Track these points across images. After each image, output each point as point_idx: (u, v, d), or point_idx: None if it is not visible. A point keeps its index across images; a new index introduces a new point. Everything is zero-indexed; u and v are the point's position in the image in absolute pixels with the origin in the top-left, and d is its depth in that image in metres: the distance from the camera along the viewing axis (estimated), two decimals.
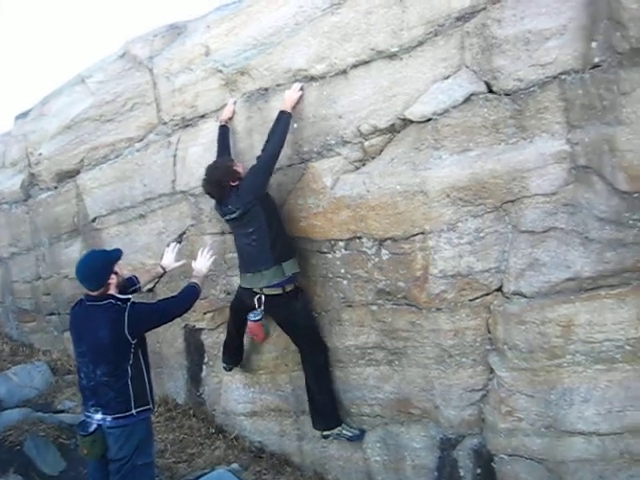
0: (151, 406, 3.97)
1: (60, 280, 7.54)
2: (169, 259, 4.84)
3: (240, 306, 5.03)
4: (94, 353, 3.75)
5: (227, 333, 5.42)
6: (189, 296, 4.20)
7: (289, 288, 4.73)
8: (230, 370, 5.58)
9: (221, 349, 5.54)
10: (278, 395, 5.39)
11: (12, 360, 7.91)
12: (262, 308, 4.72)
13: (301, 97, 4.67)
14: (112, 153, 6.39)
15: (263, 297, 4.71)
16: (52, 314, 8.05)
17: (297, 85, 4.66)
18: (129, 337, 3.71)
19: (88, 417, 3.82)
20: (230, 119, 5.13)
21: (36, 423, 5.50)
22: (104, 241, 6.55)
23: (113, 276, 3.83)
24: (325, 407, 4.92)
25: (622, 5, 3.09)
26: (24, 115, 7.99)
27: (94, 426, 3.75)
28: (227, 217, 4.77)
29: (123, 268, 4.08)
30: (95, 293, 3.81)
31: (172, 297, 4.24)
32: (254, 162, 4.68)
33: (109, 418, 3.75)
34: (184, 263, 4.89)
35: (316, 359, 4.89)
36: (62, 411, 6.19)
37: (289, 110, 4.58)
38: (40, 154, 7.21)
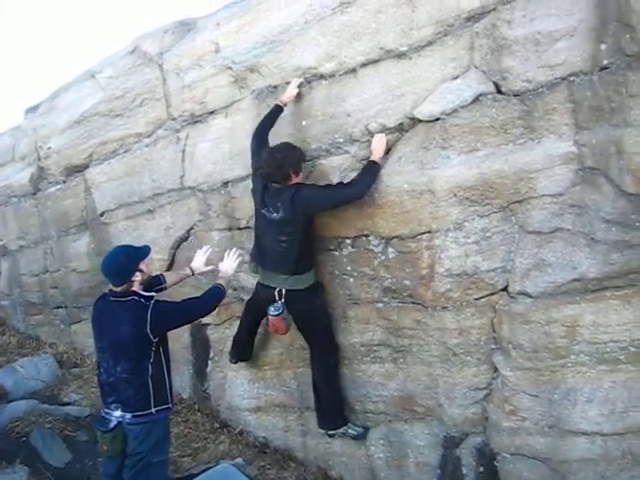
0: (170, 405, 3.96)
1: (67, 273, 7.58)
2: (199, 262, 4.76)
3: (258, 304, 4.92)
4: (115, 349, 3.75)
5: (238, 329, 5.37)
6: (214, 297, 4.16)
7: (311, 284, 4.67)
8: (235, 363, 5.57)
9: (228, 343, 5.57)
10: (283, 391, 5.41)
11: (19, 352, 7.95)
12: (282, 301, 4.58)
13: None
14: (121, 148, 6.43)
15: (284, 290, 4.59)
16: (59, 307, 8.10)
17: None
18: (151, 335, 3.69)
19: (107, 414, 3.80)
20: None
21: (42, 415, 5.54)
22: (112, 235, 6.60)
23: (138, 273, 3.81)
24: (332, 407, 4.91)
25: (631, 7, 3.10)
26: (34, 109, 8.03)
27: (114, 422, 3.75)
28: (267, 214, 4.50)
29: (149, 266, 4.05)
30: (118, 289, 3.79)
31: (196, 297, 4.19)
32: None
33: (128, 415, 3.74)
34: (214, 268, 4.76)
35: (328, 358, 4.86)
36: (68, 403, 6.24)
37: (377, 159, 4.29)
38: (49, 148, 7.25)
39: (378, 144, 4.31)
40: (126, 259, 3.83)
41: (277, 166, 4.39)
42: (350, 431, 4.90)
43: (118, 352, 3.73)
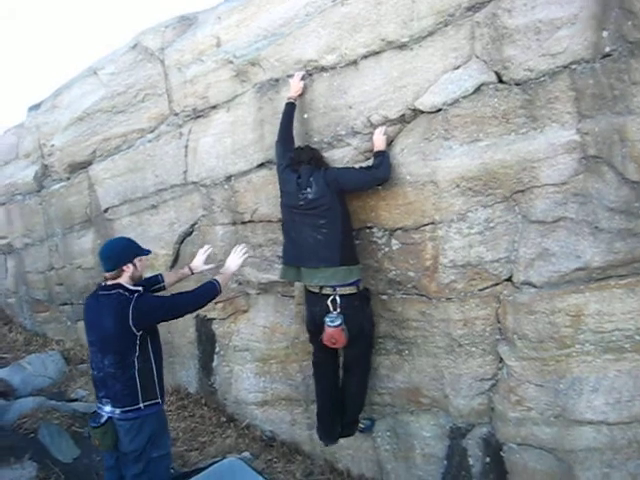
0: (159, 400, 3.85)
1: (73, 270, 7.61)
2: (199, 261, 4.61)
3: (316, 325, 4.51)
4: (102, 343, 3.72)
5: (318, 390, 4.87)
6: (206, 293, 4.04)
7: (362, 286, 4.50)
8: (328, 444, 5.08)
9: (234, 337, 5.59)
10: (289, 384, 5.43)
11: (26, 350, 8.01)
12: (338, 311, 4.31)
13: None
14: (124, 144, 6.44)
15: (338, 299, 4.34)
16: (65, 304, 8.14)
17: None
18: (134, 329, 3.63)
19: (99, 408, 3.80)
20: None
21: (50, 411, 5.55)
22: (116, 231, 6.61)
23: (130, 265, 3.79)
24: (354, 421, 4.82)
25: None
26: (37, 107, 8.05)
27: (105, 418, 3.73)
28: (302, 196, 4.36)
29: (144, 267, 3.98)
30: (108, 275, 3.77)
31: (187, 292, 4.06)
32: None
33: (118, 411, 3.71)
34: (213, 267, 4.65)
35: (367, 370, 4.71)
36: (75, 400, 6.25)
37: (383, 148, 4.30)
38: (53, 145, 7.27)
39: (379, 137, 4.31)
40: (124, 248, 3.85)
41: (310, 150, 4.57)
42: (358, 425, 4.89)
43: (104, 345, 3.69)
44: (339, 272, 4.30)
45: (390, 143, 4.35)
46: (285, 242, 4.69)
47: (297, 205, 4.42)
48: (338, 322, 4.27)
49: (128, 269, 3.80)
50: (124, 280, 3.80)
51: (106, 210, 6.75)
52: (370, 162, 4.38)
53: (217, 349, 6.05)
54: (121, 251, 3.82)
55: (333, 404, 4.80)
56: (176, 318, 3.98)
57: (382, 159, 4.24)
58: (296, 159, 4.54)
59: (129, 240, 4.04)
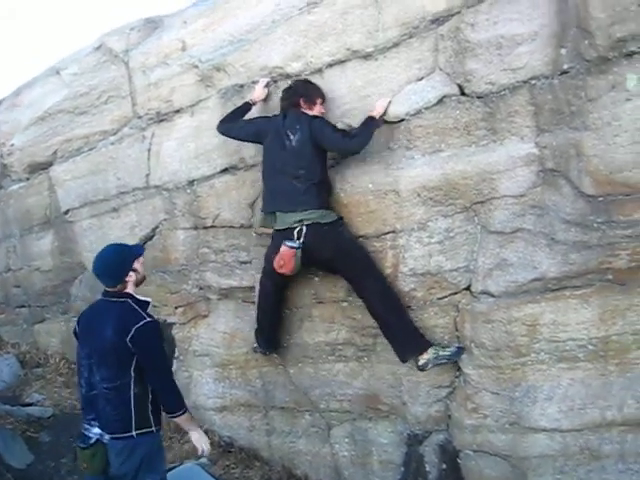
0: (154, 429, 3.55)
1: (31, 272, 7.47)
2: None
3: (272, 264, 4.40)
4: (98, 353, 3.46)
5: (258, 307, 4.87)
6: (178, 400, 3.72)
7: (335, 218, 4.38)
8: (265, 354, 5.12)
9: (194, 342, 5.56)
10: (248, 390, 5.40)
11: None
12: (302, 240, 4.21)
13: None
14: (86, 146, 6.35)
15: (304, 229, 4.22)
16: (22, 306, 7.96)
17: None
18: (130, 344, 3.36)
19: (86, 429, 3.54)
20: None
21: (3, 416, 5.45)
22: (76, 234, 6.52)
23: (132, 273, 3.55)
24: (406, 327, 4.26)
25: (590, 14, 3.17)
26: None
27: (94, 439, 3.48)
28: (287, 139, 4.30)
29: (144, 267, 3.75)
30: (111, 290, 3.54)
31: (173, 384, 3.77)
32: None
33: (107, 436, 3.47)
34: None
35: (380, 284, 4.31)
36: (30, 404, 6.14)
37: (376, 115, 4.18)
38: (12, 145, 7.13)
39: (381, 104, 4.21)
40: (119, 258, 3.58)
41: (290, 91, 4.47)
42: (442, 353, 4.18)
43: (100, 357, 3.45)
44: (315, 213, 4.24)
45: None
46: (264, 191, 4.57)
47: (280, 148, 4.36)
48: (295, 245, 4.20)
49: (131, 278, 3.58)
50: (130, 288, 3.60)
51: (66, 212, 6.65)
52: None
53: (176, 354, 5.99)
54: (119, 262, 3.56)
55: (271, 314, 4.81)
56: (146, 372, 3.50)
57: (363, 130, 4.17)
58: (283, 102, 4.49)
59: (120, 246, 3.81)
